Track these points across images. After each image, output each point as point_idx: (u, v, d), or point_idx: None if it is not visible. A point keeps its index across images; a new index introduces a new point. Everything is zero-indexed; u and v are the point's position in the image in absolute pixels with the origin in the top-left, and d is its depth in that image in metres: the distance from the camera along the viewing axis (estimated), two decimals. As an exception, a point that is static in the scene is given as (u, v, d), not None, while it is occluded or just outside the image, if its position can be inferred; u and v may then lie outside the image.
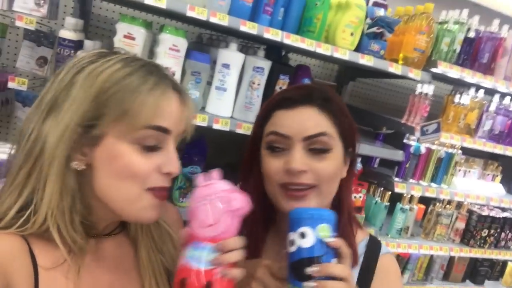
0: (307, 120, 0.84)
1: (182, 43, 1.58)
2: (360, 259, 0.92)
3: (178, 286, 0.68)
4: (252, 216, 0.94)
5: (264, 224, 0.97)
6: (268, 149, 0.88)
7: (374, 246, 0.95)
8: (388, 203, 2.08)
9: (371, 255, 0.93)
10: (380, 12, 1.72)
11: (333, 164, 0.85)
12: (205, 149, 1.85)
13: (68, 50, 1.51)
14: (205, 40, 2.00)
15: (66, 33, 1.52)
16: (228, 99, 1.70)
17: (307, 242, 0.70)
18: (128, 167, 0.69)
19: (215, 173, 0.73)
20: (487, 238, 2.36)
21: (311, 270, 0.68)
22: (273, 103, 0.90)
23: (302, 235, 0.71)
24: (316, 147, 0.84)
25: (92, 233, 0.77)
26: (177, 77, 1.59)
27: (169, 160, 0.72)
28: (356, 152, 0.94)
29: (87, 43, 1.56)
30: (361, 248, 0.94)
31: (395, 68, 1.81)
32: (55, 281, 0.71)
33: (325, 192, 0.86)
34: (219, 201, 0.69)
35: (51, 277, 0.70)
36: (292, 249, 0.71)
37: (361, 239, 0.95)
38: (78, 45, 1.55)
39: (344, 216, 0.90)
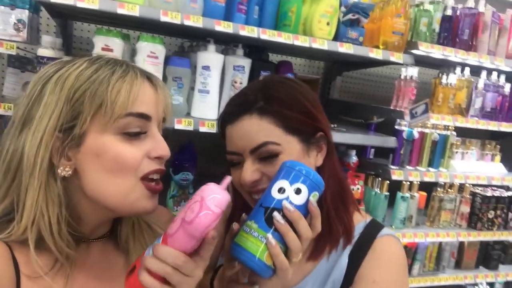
0: (248, 133, 0.83)
1: (160, 50, 1.59)
2: (355, 240, 0.90)
3: (129, 270, 0.69)
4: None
5: None
6: (229, 164, 0.90)
7: (372, 228, 0.93)
8: (388, 193, 2.05)
9: (367, 236, 0.91)
10: (353, -1, 1.73)
11: None
12: (195, 154, 1.84)
13: (47, 67, 1.52)
14: (187, 48, 2.02)
15: (45, 51, 1.54)
16: (212, 101, 1.70)
17: (298, 200, 0.71)
18: (117, 158, 0.68)
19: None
20: (495, 219, 2.30)
21: (282, 214, 0.70)
22: (221, 119, 0.91)
23: (298, 191, 0.71)
24: (264, 156, 0.84)
25: (80, 239, 0.75)
26: (158, 83, 1.59)
27: (156, 144, 0.72)
28: (330, 135, 0.91)
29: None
30: (358, 229, 0.92)
31: (375, 53, 1.81)
32: None
33: None
34: (183, 211, 0.64)
35: (34, 285, 0.68)
36: (279, 196, 0.71)
37: (359, 221, 0.94)
38: (57, 62, 1.56)
39: (326, 200, 0.87)
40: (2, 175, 0.70)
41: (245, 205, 0.92)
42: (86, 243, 0.77)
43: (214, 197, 0.63)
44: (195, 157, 1.83)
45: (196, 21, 1.55)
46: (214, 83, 1.68)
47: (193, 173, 1.80)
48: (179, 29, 1.86)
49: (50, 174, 0.68)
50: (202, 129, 1.65)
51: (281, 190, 0.72)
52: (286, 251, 0.69)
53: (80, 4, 1.42)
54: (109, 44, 1.54)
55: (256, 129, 0.82)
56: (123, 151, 0.69)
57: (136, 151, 0.70)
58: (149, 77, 0.75)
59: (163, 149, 0.73)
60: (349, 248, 0.89)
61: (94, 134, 0.68)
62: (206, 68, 1.66)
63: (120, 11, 1.46)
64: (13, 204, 0.69)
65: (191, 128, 1.63)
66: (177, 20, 1.53)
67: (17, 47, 1.61)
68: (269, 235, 0.68)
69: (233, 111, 0.86)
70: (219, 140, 2.26)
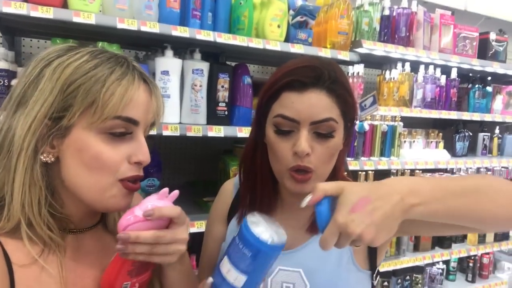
0: (316, 106, 0.85)
1: (118, 57, 1.61)
2: None
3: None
4: (261, 189, 0.98)
5: (273, 196, 1.00)
6: (276, 131, 0.90)
7: None
8: (347, 184, 2.16)
9: None
10: (300, 2, 1.85)
11: (333, 147, 0.88)
12: (159, 160, 1.85)
13: (1, 80, 1.49)
14: (142, 58, 2.04)
15: (-3, 63, 1.50)
16: (174, 105, 1.73)
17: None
18: (96, 157, 0.69)
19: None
20: (444, 201, 2.49)
21: None
22: (282, 83, 0.88)
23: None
24: (321, 132, 0.87)
25: (70, 228, 0.75)
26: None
27: (138, 149, 0.73)
28: (354, 125, 0.98)
29: (21, 70, 1.54)
30: None
31: (324, 53, 1.94)
32: (33, 278, 0.69)
33: (322, 174, 0.90)
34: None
35: (27, 274, 0.68)
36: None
37: None
38: (11, 74, 1.53)
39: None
40: None
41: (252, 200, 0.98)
42: (77, 233, 0.77)
43: (144, 204, 0.72)
44: (159, 163, 1.84)
45: (152, 27, 1.59)
46: (174, 87, 1.71)
47: (159, 179, 1.81)
48: (134, 38, 1.88)
49: (35, 158, 0.69)
50: (166, 132, 1.67)
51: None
52: None
53: (33, 14, 1.41)
54: (65, 54, 1.53)
55: (324, 104, 0.86)
56: (104, 152, 0.70)
57: (117, 153, 0.71)
58: (145, 81, 0.75)
59: (144, 155, 0.74)
60: None
61: (80, 129, 0.69)
62: (165, 73, 1.70)
63: (76, 19, 1.47)
64: (2, 187, 0.69)
65: (154, 132, 1.65)
66: (133, 27, 1.56)
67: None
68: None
69: (303, 81, 0.86)
70: (180, 146, 2.27)
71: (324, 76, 0.86)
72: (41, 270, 0.69)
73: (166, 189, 0.75)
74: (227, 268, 0.72)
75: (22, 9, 1.39)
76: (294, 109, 0.86)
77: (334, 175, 0.96)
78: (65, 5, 1.50)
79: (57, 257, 0.71)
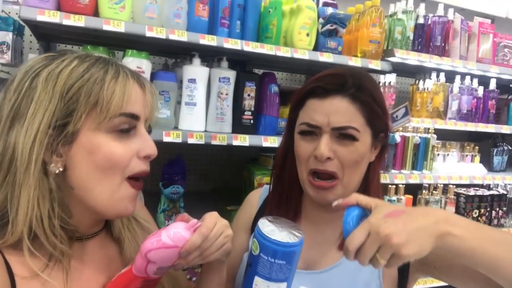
0: (337, 112, 0.86)
1: (146, 65, 1.62)
2: None
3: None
4: (288, 197, 0.99)
5: (299, 205, 1.01)
6: (300, 134, 0.92)
7: None
8: (376, 197, 2.09)
9: None
10: (330, 10, 1.80)
11: (357, 152, 0.87)
12: (184, 167, 1.85)
13: (33, 86, 1.53)
14: (171, 65, 2.05)
15: (30, 70, 1.54)
16: (199, 113, 1.73)
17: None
18: (109, 156, 0.70)
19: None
20: (479, 218, 2.36)
21: None
22: (307, 90, 0.91)
23: None
24: (343, 136, 0.87)
25: (75, 236, 0.75)
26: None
27: (145, 143, 0.74)
28: (388, 138, 0.96)
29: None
30: None
31: (354, 62, 1.88)
32: None
33: (348, 183, 0.89)
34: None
35: (30, 286, 0.68)
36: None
37: None
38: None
39: (372, 196, 0.93)
40: None
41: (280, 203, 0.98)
42: (81, 241, 0.77)
43: (171, 231, 0.72)
44: (184, 171, 1.84)
45: (180, 35, 1.60)
46: (200, 95, 1.71)
47: (183, 186, 1.80)
48: (163, 46, 1.90)
49: (43, 170, 0.68)
50: (191, 140, 1.67)
51: None
52: None
53: (66, 22, 1.44)
54: (95, 61, 1.56)
55: (345, 111, 0.86)
56: (115, 150, 0.70)
57: (126, 150, 0.72)
58: (138, 78, 0.77)
59: (151, 148, 0.75)
60: None
61: (87, 131, 0.69)
62: (192, 81, 1.70)
63: (106, 27, 1.49)
64: (4, 203, 0.68)
65: (179, 140, 1.65)
66: (162, 35, 1.57)
67: (1, 70, 1.62)
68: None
69: (326, 88, 0.88)
70: (205, 153, 2.26)
71: (348, 83, 0.88)
72: (44, 281, 0.68)
73: (195, 221, 0.76)
74: (265, 285, 0.73)
75: (55, 18, 1.43)
76: (316, 116, 0.88)
77: (365, 189, 0.93)
78: (96, 13, 1.53)
79: (63, 267, 0.71)
